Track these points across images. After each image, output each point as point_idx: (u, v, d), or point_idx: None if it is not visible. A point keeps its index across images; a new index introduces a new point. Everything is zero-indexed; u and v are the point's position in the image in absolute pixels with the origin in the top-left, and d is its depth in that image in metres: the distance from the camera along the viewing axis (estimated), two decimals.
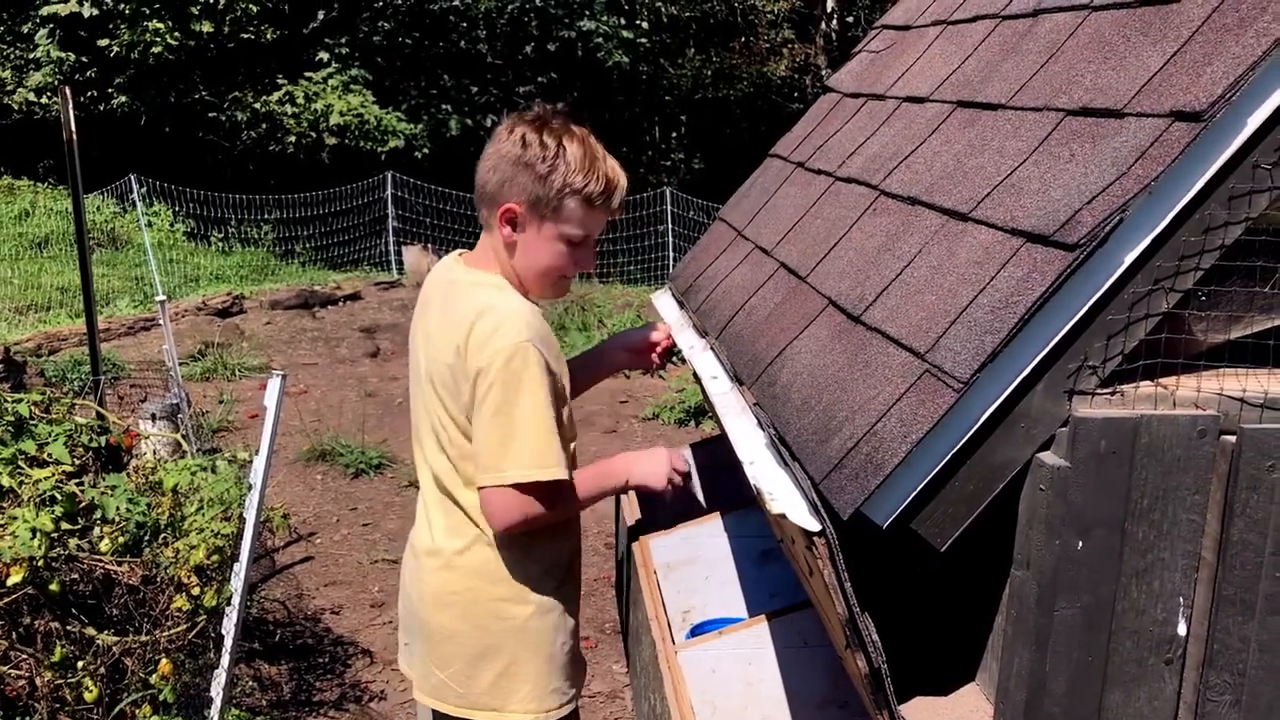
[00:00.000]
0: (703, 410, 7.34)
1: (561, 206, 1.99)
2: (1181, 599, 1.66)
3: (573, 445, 2.10)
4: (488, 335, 1.92)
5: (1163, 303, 1.60)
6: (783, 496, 1.74)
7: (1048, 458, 1.62)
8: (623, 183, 2.05)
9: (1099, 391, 1.62)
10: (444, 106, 16.99)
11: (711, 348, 2.63)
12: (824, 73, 19.53)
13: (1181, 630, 1.67)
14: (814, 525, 1.65)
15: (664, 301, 3.26)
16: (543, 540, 2.08)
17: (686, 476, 2.16)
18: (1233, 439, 1.60)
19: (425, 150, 16.14)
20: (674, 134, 20.88)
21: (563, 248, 2.03)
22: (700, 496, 2.40)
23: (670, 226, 15.21)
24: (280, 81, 15.46)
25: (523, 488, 1.93)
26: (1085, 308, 1.58)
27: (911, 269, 1.95)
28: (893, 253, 2.06)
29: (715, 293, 2.85)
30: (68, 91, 4.39)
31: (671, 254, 15.05)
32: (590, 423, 7.59)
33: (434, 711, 2.18)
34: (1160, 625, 1.66)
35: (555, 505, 1.99)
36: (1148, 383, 1.65)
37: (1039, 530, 1.62)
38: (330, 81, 15.40)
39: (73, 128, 4.23)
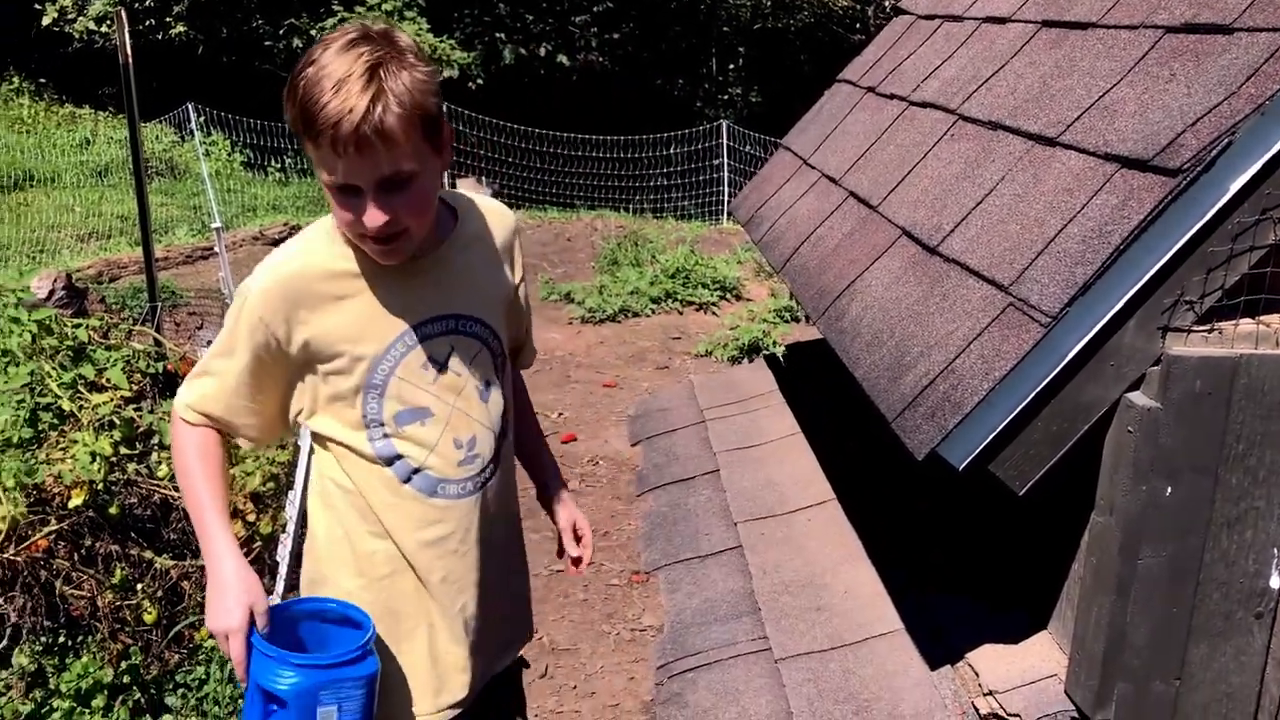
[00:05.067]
0: (756, 348, 7.25)
1: (301, 139, 1.56)
2: (1276, 550, 1.56)
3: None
4: None
5: (1270, 234, 1.49)
6: None
7: (1137, 398, 1.52)
8: (344, 122, 1.46)
9: (1195, 329, 1.51)
10: (498, 35, 16.79)
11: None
12: (887, 2, 18.98)
13: (1274, 583, 1.58)
14: None
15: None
16: (351, 518, 1.74)
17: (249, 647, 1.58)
18: None
19: (479, 80, 16.00)
20: (731, 66, 20.46)
21: (332, 194, 1.57)
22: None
23: (726, 161, 14.97)
24: (336, 8, 15.38)
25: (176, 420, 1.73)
26: (1185, 238, 1.47)
27: (993, 197, 1.84)
28: (972, 180, 1.95)
29: (779, 223, 2.75)
30: (123, 15, 4.35)
31: (727, 189, 14.83)
32: (642, 359, 7.53)
33: None
34: (1251, 578, 1.57)
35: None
36: (1249, 320, 1.54)
37: (1125, 474, 1.53)
38: (385, 6, 15.27)
39: (128, 51, 4.20)
